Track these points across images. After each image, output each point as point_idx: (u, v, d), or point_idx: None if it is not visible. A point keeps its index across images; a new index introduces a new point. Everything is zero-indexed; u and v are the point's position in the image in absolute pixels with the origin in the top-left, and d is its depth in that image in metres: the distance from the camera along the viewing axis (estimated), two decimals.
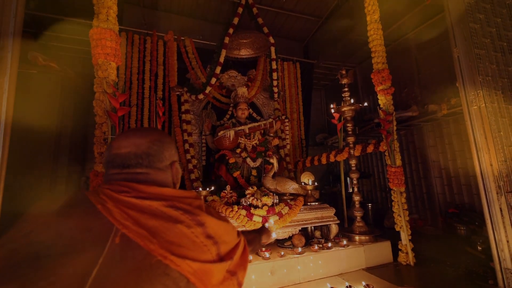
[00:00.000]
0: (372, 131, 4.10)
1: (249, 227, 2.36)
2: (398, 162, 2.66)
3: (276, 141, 3.63)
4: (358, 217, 2.84)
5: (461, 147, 3.38)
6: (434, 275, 2.30)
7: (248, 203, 2.54)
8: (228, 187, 2.79)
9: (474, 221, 2.95)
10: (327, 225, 2.74)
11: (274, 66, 3.80)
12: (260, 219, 2.40)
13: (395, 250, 2.63)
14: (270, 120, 3.50)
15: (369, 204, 4.13)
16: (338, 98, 3.31)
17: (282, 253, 2.34)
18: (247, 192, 2.63)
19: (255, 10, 3.72)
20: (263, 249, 2.34)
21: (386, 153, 2.72)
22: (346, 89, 3.07)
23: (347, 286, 2.06)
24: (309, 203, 2.79)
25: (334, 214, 2.78)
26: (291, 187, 2.85)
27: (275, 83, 3.86)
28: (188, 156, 3.29)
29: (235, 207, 2.44)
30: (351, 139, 3.03)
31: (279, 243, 2.60)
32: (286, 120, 3.91)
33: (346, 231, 2.84)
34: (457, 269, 2.34)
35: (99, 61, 1.95)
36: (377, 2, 2.85)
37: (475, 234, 2.84)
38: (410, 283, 2.17)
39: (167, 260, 0.54)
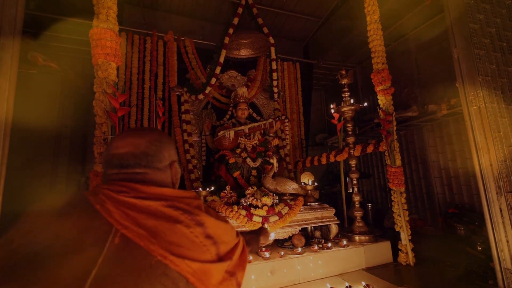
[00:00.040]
0: (372, 131, 4.10)
1: (249, 227, 2.36)
2: (398, 162, 2.66)
3: (276, 141, 3.63)
4: (358, 217, 2.84)
5: (461, 147, 3.38)
6: (434, 275, 2.30)
7: (248, 203, 2.54)
8: (228, 187, 2.79)
9: (474, 221, 2.95)
10: (327, 225, 2.74)
11: (274, 66, 3.80)
12: (260, 219, 2.40)
13: (395, 250, 2.63)
14: (270, 120, 3.50)
15: (369, 204, 4.12)
16: (338, 98, 3.31)
17: (282, 253, 2.34)
18: (247, 192, 2.64)
19: (255, 10, 3.72)
20: (263, 249, 2.34)
21: (386, 153, 2.72)
22: (346, 89, 3.07)
23: (347, 286, 2.06)
24: (309, 203, 2.79)
25: (334, 214, 2.78)
26: (291, 187, 2.85)
27: (275, 83, 3.86)
28: (188, 156, 3.30)
29: (235, 207, 2.44)
30: (351, 139, 3.03)
31: (279, 243, 2.60)
32: (286, 120, 3.91)
33: (346, 231, 2.84)
34: (457, 269, 2.34)
35: (99, 61, 1.95)
36: (377, 3, 2.85)
37: (475, 234, 2.84)
38: (410, 283, 2.17)
39: (167, 260, 0.54)
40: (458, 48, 2.31)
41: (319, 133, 5.40)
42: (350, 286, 2.05)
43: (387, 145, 2.69)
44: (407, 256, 2.54)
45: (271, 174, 2.89)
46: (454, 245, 2.86)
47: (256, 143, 3.45)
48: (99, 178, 1.86)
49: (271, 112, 4.01)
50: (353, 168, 2.97)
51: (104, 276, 0.49)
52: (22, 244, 0.52)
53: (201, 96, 3.45)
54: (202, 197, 2.58)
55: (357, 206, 2.88)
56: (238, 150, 3.26)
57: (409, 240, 2.56)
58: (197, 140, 3.56)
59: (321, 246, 2.48)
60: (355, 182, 2.96)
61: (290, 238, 2.57)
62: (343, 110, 3.05)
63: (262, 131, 3.59)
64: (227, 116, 3.72)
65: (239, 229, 2.32)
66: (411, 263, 2.51)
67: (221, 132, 3.21)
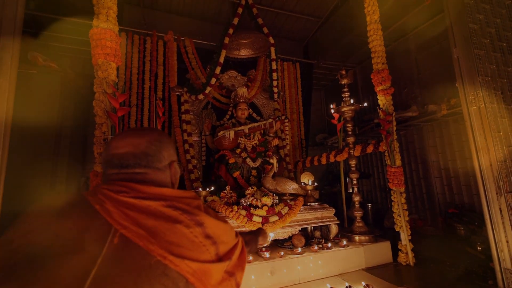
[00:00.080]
0: (372, 131, 4.10)
1: (249, 227, 2.36)
2: (398, 162, 2.66)
3: (276, 141, 3.63)
4: (358, 217, 2.84)
5: (460, 147, 3.38)
6: (433, 275, 2.30)
7: (248, 203, 2.54)
8: (228, 187, 2.79)
9: (473, 221, 2.95)
10: (327, 225, 2.74)
11: (274, 66, 3.80)
12: (260, 219, 2.40)
13: (395, 250, 2.63)
14: (270, 120, 3.50)
15: (369, 204, 4.13)
16: (338, 98, 3.31)
17: (282, 253, 2.34)
18: (247, 192, 2.64)
19: (255, 10, 3.72)
20: (263, 249, 2.34)
21: (386, 153, 2.72)
22: (346, 89, 3.07)
23: (347, 286, 2.06)
24: (309, 203, 2.79)
25: (334, 214, 2.78)
26: (291, 187, 2.85)
27: (275, 83, 3.86)
28: (188, 156, 3.29)
29: (235, 207, 2.44)
30: (351, 139, 3.03)
31: (279, 243, 2.60)
32: (286, 121, 3.91)
33: (346, 231, 2.84)
34: (457, 269, 2.34)
35: (99, 61, 1.95)
36: (377, 3, 2.85)
37: (475, 234, 2.84)
38: (410, 283, 2.17)
39: (166, 260, 0.55)
40: (458, 48, 2.31)
41: (319, 133, 5.40)
42: (350, 286, 2.05)
43: (387, 145, 2.69)
44: (407, 256, 2.54)
45: (271, 174, 2.89)
46: (454, 245, 2.86)
47: (256, 143, 3.45)
48: (99, 178, 1.86)
49: (271, 112, 4.01)
50: (353, 168, 2.97)
51: (104, 276, 0.49)
52: (22, 244, 0.52)
53: (201, 96, 3.45)
54: (202, 197, 2.58)
55: (357, 206, 2.88)
56: (238, 150, 3.26)
57: (409, 240, 2.56)
58: (197, 140, 3.56)
59: (321, 246, 2.48)
60: (355, 182, 2.96)
61: (290, 238, 2.57)
62: (343, 110, 3.05)
63: (262, 131, 3.59)
64: (227, 116, 3.72)
65: (238, 229, 2.33)
66: (411, 263, 2.51)
67: (221, 132, 3.21)
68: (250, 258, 2.22)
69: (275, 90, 3.89)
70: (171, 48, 3.59)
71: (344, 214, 3.35)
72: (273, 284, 2.17)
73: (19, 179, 2.70)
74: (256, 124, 3.45)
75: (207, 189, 2.64)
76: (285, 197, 2.82)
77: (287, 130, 3.96)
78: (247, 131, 3.36)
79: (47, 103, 3.11)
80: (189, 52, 3.71)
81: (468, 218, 3.04)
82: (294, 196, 2.87)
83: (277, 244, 2.60)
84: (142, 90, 3.42)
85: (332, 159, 3.28)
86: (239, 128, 3.31)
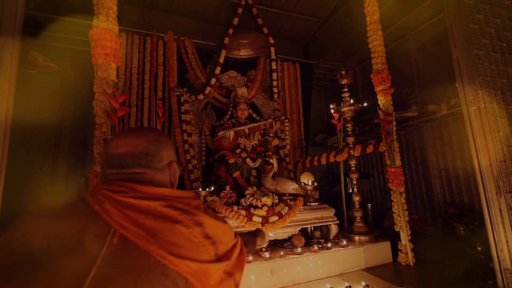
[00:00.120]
0: (372, 132, 4.10)
1: (249, 227, 2.36)
2: (398, 163, 2.66)
3: (275, 142, 3.63)
4: (357, 218, 2.84)
5: (460, 148, 3.38)
6: (433, 275, 2.30)
7: (248, 203, 2.54)
8: (227, 188, 2.79)
9: (473, 222, 2.95)
10: (327, 225, 2.74)
11: (274, 66, 3.80)
12: (260, 220, 2.40)
13: (395, 251, 2.63)
14: (270, 120, 3.50)
15: (369, 205, 4.12)
16: (338, 98, 3.31)
17: (282, 253, 2.34)
18: (246, 192, 2.64)
19: (255, 10, 3.72)
20: (263, 249, 2.34)
21: (386, 154, 2.72)
22: (345, 89, 3.07)
23: (346, 287, 2.06)
24: (308, 204, 2.79)
25: (333, 215, 2.78)
26: (291, 187, 2.85)
27: (275, 83, 3.86)
28: (188, 157, 3.30)
29: (235, 207, 2.44)
30: (350, 140, 3.03)
31: (279, 244, 2.60)
32: (286, 121, 3.91)
33: (346, 231, 2.84)
34: (457, 270, 2.34)
35: (99, 61, 1.95)
36: (376, 3, 2.85)
37: (475, 234, 2.84)
38: (409, 283, 2.17)
39: (166, 260, 0.55)
40: (457, 48, 2.31)
41: (319, 133, 5.40)
42: (349, 286, 2.05)
43: (386, 145, 2.69)
44: (406, 256, 2.54)
45: (271, 174, 2.89)
46: (454, 245, 2.86)
47: (256, 143, 3.45)
48: (99, 178, 1.86)
49: (271, 112, 4.01)
50: (353, 168, 2.97)
51: (103, 276, 0.49)
52: (21, 244, 0.52)
53: (201, 96, 3.45)
54: (202, 197, 2.58)
55: (357, 206, 2.88)
56: (238, 150, 3.26)
57: (409, 240, 2.56)
58: (197, 140, 3.56)
59: (321, 246, 2.48)
60: (355, 182, 2.96)
61: (290, 238, 2.57)
62: (343, 110, 3.05)
63: (262, 131, 3.59)
64: (227, 116, 3.72)
65: (238, 230, 2.33)
66: (411, 263, 2.51)
67: (221, 132, 3.21)
68: (250, 258, 2.22)
69: (275, 90, 3.89)
70: (171, 48, 3.59)
71: (344, 214, 3.35)
72: (273, 284, 2.17)
73: (19, 179, 2.70)
74: (256, 124, 3.45)
75: (207, 189, 2.64)
76: (285, 197, 2.82)
77: (287, 130, 3.96)
78: (247, 131, 3.36)
79: (47, 103, 3.11)
80: (189, 52, 3.71)
81: (468, 218, 3.04)
82: (294, 196, 2.87)
83: (277, 244, 2.60)
84: (142, 90, 3.42)
85: (332, 159, 3.28)
86: (239, 128, 3.31)
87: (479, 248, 2.58)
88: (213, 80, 3.33)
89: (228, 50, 3.59)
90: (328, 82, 5.60)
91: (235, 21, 3.51)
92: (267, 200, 2.55)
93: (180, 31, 3.76)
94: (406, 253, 2.54)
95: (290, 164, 3.82)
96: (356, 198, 2.88)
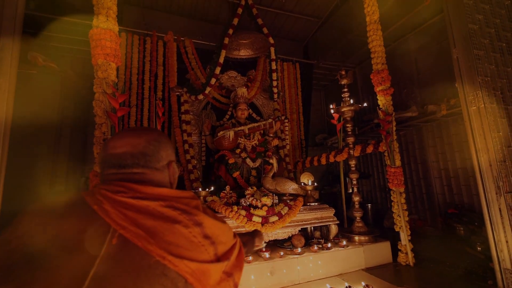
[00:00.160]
0: (372, 132, 4.10)
1: (249, 227, 2.36)
2: (398, 163, 2.66)
3: (275, 142, 3.63)
4: (357, 218, 2.84)
5: (460, 148, 3.38)
6: (433, 276, 2.30)
7: (248, 203, 2.54)
8: (227, 188, 2.79)
9: (473, 222, 2.95)
10: (327, 225, 2.74)
11: (273, 66, 3.81)
12: (259, 220, 2.40)
13: (395, 251, 2.63)
14: (270, 120, 3.50)
15: (369, 205, 4.13)
16: (337, 98, 3.31)
17: (282, 253, 2.34)
18: (246, 192, 2.64)
19: (254, 10, 3.73)
20: (263, 249, 2.34)
21: (386, 154, 2.72)
22: (345, 89, 3.08)
23: (346, 287, 2.06)
24: (308, 204, 2.79)
25: (333, 215, 2.78)
26: (291, 187, 2.85)
27: (274, 83, 3.86)
28: (188, 157, 3.30)
29: (235, 208, 2.44)
30: (350, 140, 3.03)
31: (279, 244, 2.60)
32: (286, 121, 3.91)
33: (346, 231, 2.84)
34: (457, 270, 2.34)
35: (99, 61, 1.95)
36: (376, 3, 2.85)
37: (475, 234, 2.84)
38: (409, 284, 2.17)
39: (165, 260, 0.55)
40: (457, 49, 2.31)
41: (319, 133, 5.40)
42: (349, 286, 2.05)
43: (386, 145, 2.69)
44: (406, 256, 2.54)
45: (271, 174, 2.89)
46: (454, 245, 2.86)
47: (255, 144, 3.45)
48: (98, 178, 1.86)
49: (271, 112, 4.02)
50: (353, 169, 2.97)
51: (103, 277, 0.49)
52: (21, 244, 0.52)
53: (201, 97, 3.45)
54: (201, 197, 2.58)
55: (356, 206, 2.88)
56: (237, 151, 3.26)
57: (409, 240, 2.56)
58: (196, 141, 3.56)
59: (320, 246, 2.48)
60: (354, 182, 2.96)
61: (289, 238, 2.57)
62: (342, 110, 3.05)
63: (262, 132, 3.59)
64: (227, 117, 3.72)
65: (238, 230, 2.33)
66: (411, 263, 2.51)
67: (221, 132, 3.21)
68: (250, 258, 2.22)
69: (275, 90, 3.89)
70: (171, 49, 3.59)
71: (344, 214, 3.35)
72: (273, 284, 2.17)
73: (19, 179, 2.70)
74: (256, 124, 3.45)
75: (207, 189, 2.64)
76: (285, 197, 2.82)
77: (287, 130, 3.96)
78: (247, 131, 3.36)
79: (47, 103, 3.11)
80: (189, 52, 3.71)
81: (467, 218, 3.04)
82: (294, 196, 2.87)
83: (277, 244, 2.60)
84: (142, 91, 3.42)
85: (332, 159, 3.28)
86: (239, 128, 3.32)
87: (479, 248, 2.58)
88: (213, 80, 3.34)
89: (228, 50, 3.59)
90: (328, 82, 5.60)
91: (235, 21, 3.52)
92: (267, 200, 2.55)
93: (180, 31, 3.76)
94: (406, 253, 2.54)
95: (290, 164, 3.82)
96: (356, 198, 2.88)
